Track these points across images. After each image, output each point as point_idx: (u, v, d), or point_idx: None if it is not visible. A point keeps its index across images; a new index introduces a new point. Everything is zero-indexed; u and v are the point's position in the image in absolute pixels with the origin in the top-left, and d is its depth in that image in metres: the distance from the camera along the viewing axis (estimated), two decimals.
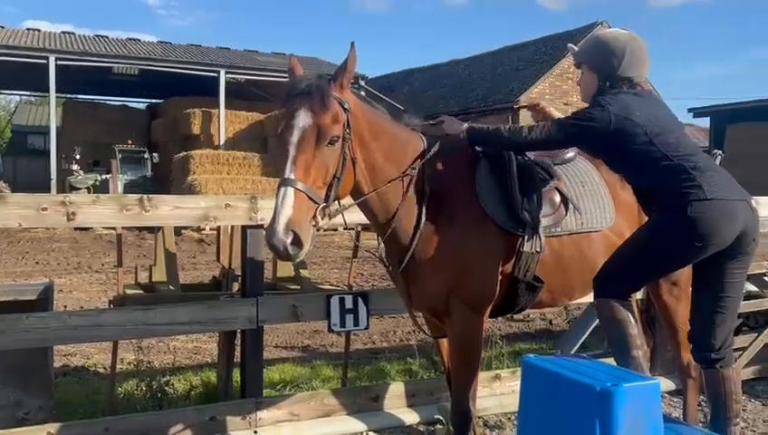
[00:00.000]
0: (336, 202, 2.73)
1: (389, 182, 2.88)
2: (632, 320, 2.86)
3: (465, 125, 3.04)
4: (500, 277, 3.02)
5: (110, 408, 3.90)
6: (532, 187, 3.04)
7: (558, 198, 3.13)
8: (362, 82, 23.52)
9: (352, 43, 2.71)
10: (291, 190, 2.50)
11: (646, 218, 3.09)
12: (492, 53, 29.65)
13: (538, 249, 3.02)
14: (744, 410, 4.32)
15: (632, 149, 2.78)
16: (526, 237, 2.99)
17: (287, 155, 2.56)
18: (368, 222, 3.13)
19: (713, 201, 2.68)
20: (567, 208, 3.13)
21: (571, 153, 3.29)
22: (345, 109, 2.66)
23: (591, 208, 3.23)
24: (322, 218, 2.60)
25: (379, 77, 33.05)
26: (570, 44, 3.20)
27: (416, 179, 2.95)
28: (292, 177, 2.52)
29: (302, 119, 2.57)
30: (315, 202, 2.55)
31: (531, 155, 3.15)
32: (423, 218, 2.93)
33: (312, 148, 2.56)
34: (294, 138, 2.56)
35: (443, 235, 2.94)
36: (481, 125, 3.07)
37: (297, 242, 2.47)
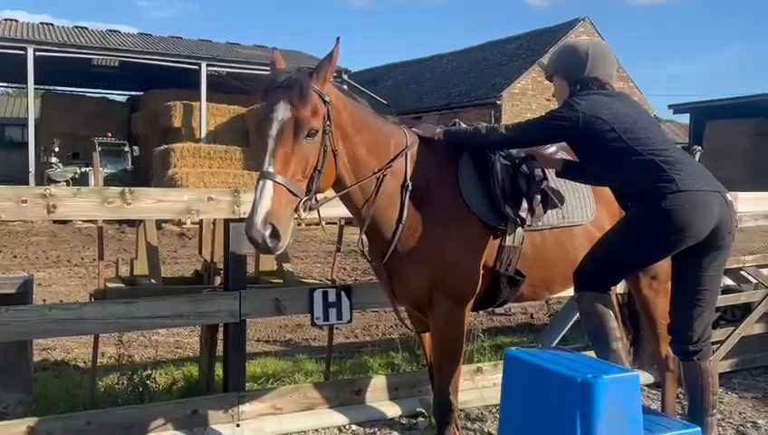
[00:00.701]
0: (317, 195, 2.73)
1: (374, 174, 2.89)
2: (612, 313, 2.90)
3: (440, 128, 3.11)
4: (482, 271, 3.05)
5: (92, 402, 3.87)
6: (514, 181, 3.07)
7: (539, 193, 3.15)
8: (345, 76, 23.45)
9: (338, 38, 2.72)
10: (269, 183, 2.50)
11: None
12: (475, 48, 29.74)
13: (520, 243, 3.05)
14: (720, 402, 4.39)
15: (603, 147, 2.85)
16: (508, 232, 3.02)
17: (266, 148, 2.56)
18: (350, 216, 3.13)
19: (687, 193, 2.72)
20: (549, 203, 3.16)
21: (552, 148, 3.32)
22: (325, 101, 2.66)
23: (573, 203, 3.27)
24: (304, 211, 2.61)
25: (362, 71, 32.99)
26: (539, 60, 3.30)
27: (398, 173, 2.96)
28: (271, 170, 2.52)
29: (281, 112, 2.57)
30: (296, 195, 2.56)
31: (513, 151, 3.18)
32: (405, 212, 2.94)
33: (290, 141, 2.57)
34: (273, 131, 2.56)
35: (425, 229, 2.96)
36: (458, 127, 3.14)
37: (276, 235, 2.48)
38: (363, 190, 2.91)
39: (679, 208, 2.71)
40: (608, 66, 3.03)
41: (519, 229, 3.04)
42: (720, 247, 2.86)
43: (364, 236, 3.05)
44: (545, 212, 3.15)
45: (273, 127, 2.56)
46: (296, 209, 2.58)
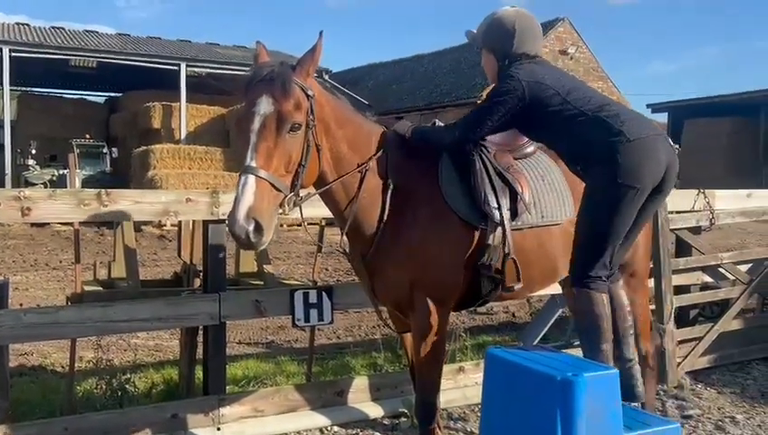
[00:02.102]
0: (301, 190, 2.70)
1: (358, 167, 2.87)
2: (606, 315, 2.91)
3: (411, 126, 3.10)
4: (463, 271, 3.04)
5: (69, 407, 3.81)
6: (493, 180, 3.07)
7: (519, 192, 3.14)
8: (326, 76, 23.40)
9: (321, 32, 2.70)
10: (252, 178, 2.47)
11: None
12: (455, 48, 29.77)
13: (500, 242, 3.04)
14: (699, 398, 4.44)
15: (551, 112, 2.88)
16: (489, 230, 3.02)
17: (248, 143, 2.53)
18: (332, 216, 3.11)
19: (636, 141, 2.79)
20: (528, 202, 3.15)
21: (530, 148, 3.33)
22: (308, 95, 2.64)
23: (551, 202, 3.26)
24: (289, 207, 2.59)
25: (343, 71, 32.96)
26: (467, 30, 3.27)
27: (380, 171, 2.95)
28: (254, 164, 2.50)
29: (263, 106, 2.54)
30: (279, 190, 2.54)
31: (492, 150, 3.17)
32: (387, 210, 2.93)
33: (273, 135, 2.54)
34: (255, 125, 2.53)
35: (406, 228, 2.95)
36: (426, 126, 3.16)
37: (259, 230, 2.46)
38: (346, 188, 2.90)
39: (633, 158, 2.77)
40: (535, 40, 3.05)
41: (499, 228, 3.04)
42: (663, 191, 2.95)
43: (345, 236, 3.03)
44: (526, 209, 3.14)
45: (255, 121, 2.53)
46: (281, 205, 2.56)
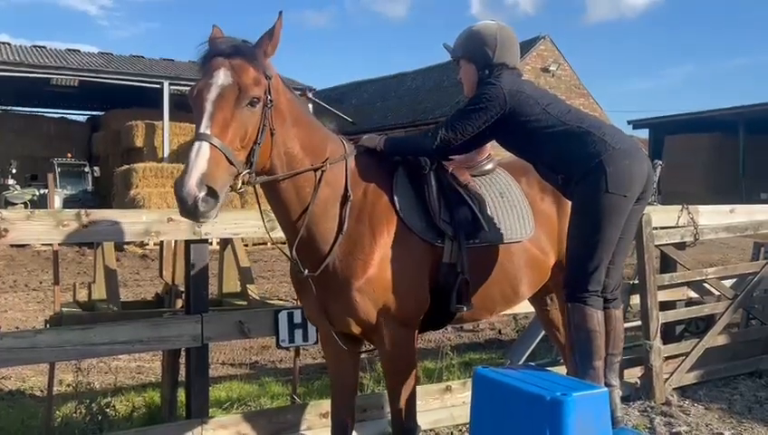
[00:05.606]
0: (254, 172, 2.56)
1: (312, 169, 2.75)
2: (601, 332, 2.88)
3: (383, 138, 3.05)
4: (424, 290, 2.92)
5: (48, 433, 3.72)
6: (448, 196, 3.00)
7: (476, 208, 3.05)
8: (310, 94, 23.37)
9: (280, 12, 2.62)
10: (206, 145, 2.37)
11: (564, 226, 3.15)
12: (437, 66, 30.00)
13: (458, 260, 2.93)
14: (687, 414, 4.42)
15: (531, 121, 2.92)
16: (445, 248, 2.92)
17: (203, 111, 2.43)
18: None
19: (620, 150, 2.86)
20: (485, 219, 3.06)
21: (489, 165, 3.29)
22: (267, 76, 2.56)
23: (511, 220, 3.17)
24: (242, 186, 2.49)
25: (327, 89, 33.05)
26: (444, 43, 3.29)
27: (336, 182, 2.83)
28: (209, 132, 2.40)
29: (222, 77, 2.47)
30: (232, 164, 2.43)
31: (450, 167, 3.10)
32: (345, 225, 2.79)
33: (230, 106, 2.45)
34: (212, 95, 2.45)
35: (363, 245, 2.81)
36: (398, 136, 3.12)
37: (212, 196, 2.34)
38: (298, 191, 2.75)
39: (620, 165, 2.83)
40: (514, 52, 3.10)
41: (456, 246, 2.92)
42: (644, 199, 3.02)
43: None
44: (483, 226, 3.03)
45: (212, 91, 2.45)
46: (234, 179, 2.45)
